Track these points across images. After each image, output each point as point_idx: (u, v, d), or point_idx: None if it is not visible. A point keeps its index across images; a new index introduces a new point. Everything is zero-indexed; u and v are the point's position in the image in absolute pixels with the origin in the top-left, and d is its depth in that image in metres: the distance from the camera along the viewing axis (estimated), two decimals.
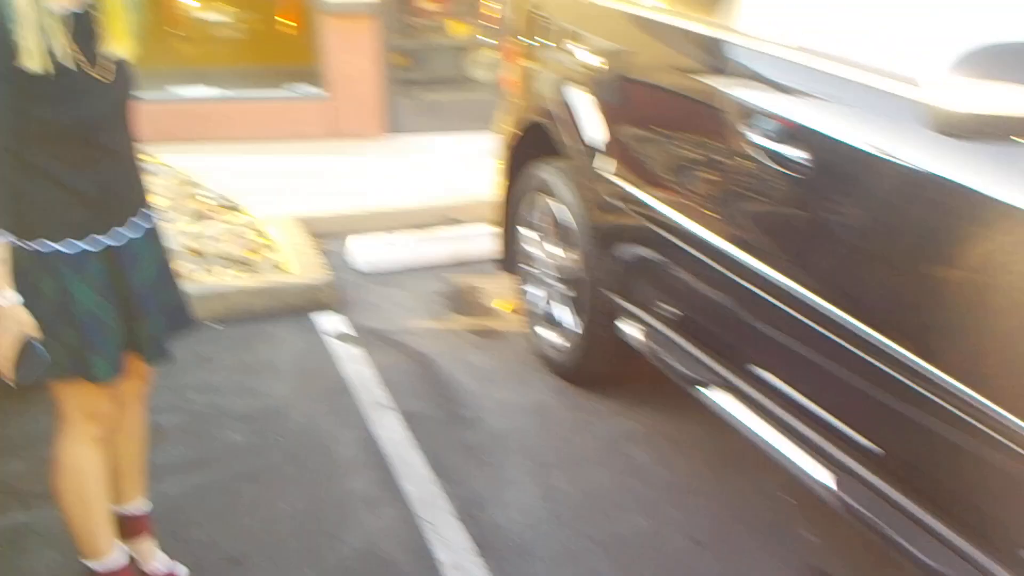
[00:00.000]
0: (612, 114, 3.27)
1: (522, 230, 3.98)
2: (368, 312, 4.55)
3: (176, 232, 5.24)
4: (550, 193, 3.68)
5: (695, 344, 2.91)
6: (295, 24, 9.29)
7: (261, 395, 3.72)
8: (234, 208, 5.80)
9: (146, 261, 2.28)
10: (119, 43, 2.10)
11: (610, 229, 3.35)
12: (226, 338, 4.21)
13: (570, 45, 3.53)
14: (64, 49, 1.97)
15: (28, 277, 2.06)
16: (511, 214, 4.09)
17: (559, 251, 3.70)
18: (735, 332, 2.67)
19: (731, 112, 2.58)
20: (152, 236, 2.33)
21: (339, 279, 4.84)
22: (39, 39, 1.92)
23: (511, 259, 4.20)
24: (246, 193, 6.10)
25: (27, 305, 2.04)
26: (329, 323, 4.39)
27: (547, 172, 3.69)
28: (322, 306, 4.50)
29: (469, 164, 6.88)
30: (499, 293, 4.74)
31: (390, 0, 8.02)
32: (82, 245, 2.12)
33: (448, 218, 5.92)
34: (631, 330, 3.25)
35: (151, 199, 2.36)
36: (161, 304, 2.33)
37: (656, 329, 3.11)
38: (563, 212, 3.60)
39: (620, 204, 3.24)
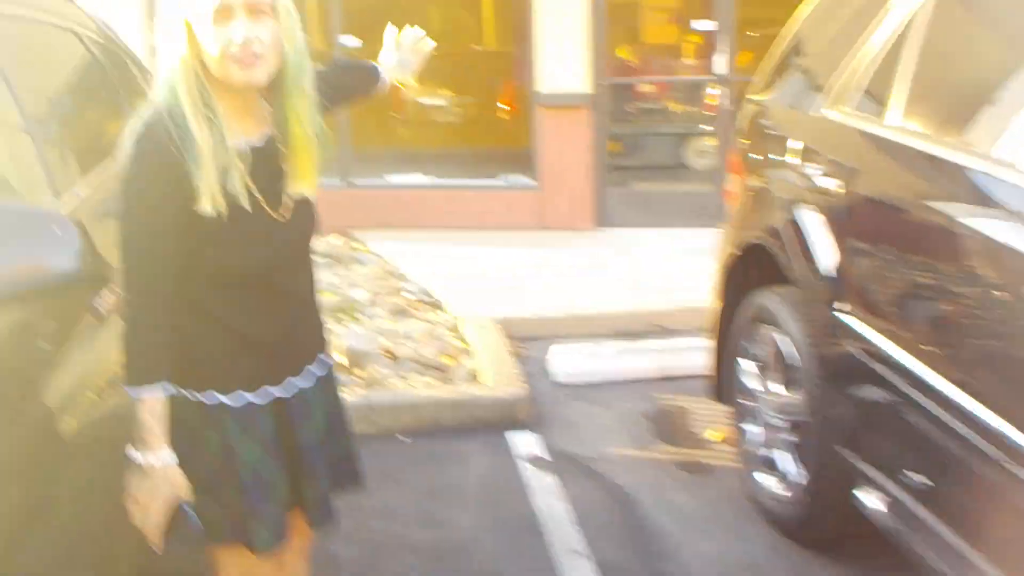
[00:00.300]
0: (851, 243, 2.83)
1: (741, 361, 3.54)
2: (565, 432, 4.21)
3: (374, 329, 5.13)
4: (773, 323, 3.25)
5: (957, 531, 2.37)
6: (511, 110, 9.30)
7: (445, 525, 3.44)
8: (435, 305, 5.66)
9: (317, 412, 2.04)
10: (302, 179, 1.89)
11: (844, 373, 2.88)
12: (414, 453, 3.99)
13: (802, 162, 3.12)
14: (242, 188, 1.77)
15: (190, 432, 1.85)
16: (726, 340, 3.67)
17: (781, 389, 3.25)
18: (1014, 522, 2.14)
19: (1000, 253, 2.10)
20: (326, 383, 2.08)
21: (536, 391, 4.55)
22: (217, 179, 1.73)
23: (725, 389, 3.76)
24: (449, 286, 5.99)
25: (185, 463, 1.83)
26: (523, 443, 4.08)
27: (770, 300, 3.26)
28: (516, 423, 4.20)
29: (682, 265, 6.50)
30: (710, 419, 4.28)
31: (607, 90, 7.82)
32: (250, 397, 1.90)
33: (657, 325, 5.54)
34: (868, 499, 2.74)
35: (329, 343, 2.12)
36: (329, 458, 2.07)
37: (903, 503, 2.59)
38: (788, 346, 3.16)
39: (856, 346, 2.78)
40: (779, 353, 3.24)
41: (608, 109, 7.95)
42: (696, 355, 4.81)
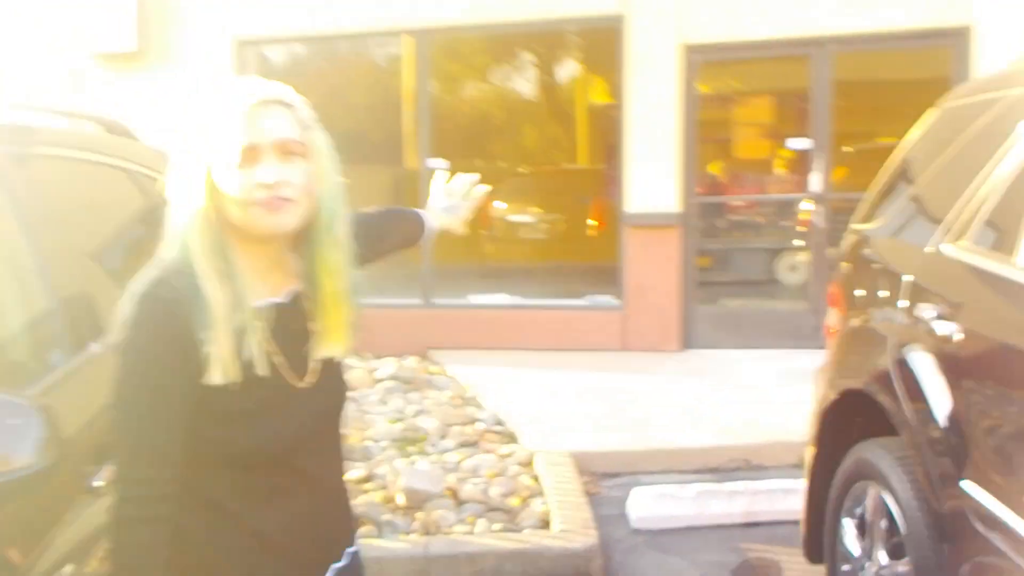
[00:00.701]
0: (971, 394, 2.42)
1: (844, 521, 3.11)
2: None
3: (440, 464, 4.83)
4: (877, 480, 2.83)
5: None
6: (600, 226, 9.09)
7: None
8: (508, 437, 5.34)
9: None
10: (331, 341, 1.61)
11: (960, 544, 2.43)
12: None
13: (914, 301, 2.75)
14: (261, 353, 1.50)
15: None
16: (822, 493, 3.24)
17: (885, 556, 2.81)
18: None
19: None
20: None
21: (610, 537, 4.16)
22: (232, 345, 1.46)
23: (819, 546, 3.32)
24: (526, 412, 5.69)
25: None
26: None
27: (874, 453, 2.85)
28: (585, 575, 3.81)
29: (773, 392, 6.07)
30: None
31: (696, 208, 7.55)
32: None
33: (744, 461, 5.10)
34: None
35: (358, 530, 1.81)
36: None
37: None
38: (894, 507, 2.73)
39: (975, 513, 2.34)
40: (884, 514, 2.81)
41: (697, 226, 7.67)
42: (787, 498, 4.38)
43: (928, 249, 2.75)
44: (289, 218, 1.50)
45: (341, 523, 1.73)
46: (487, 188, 2.39)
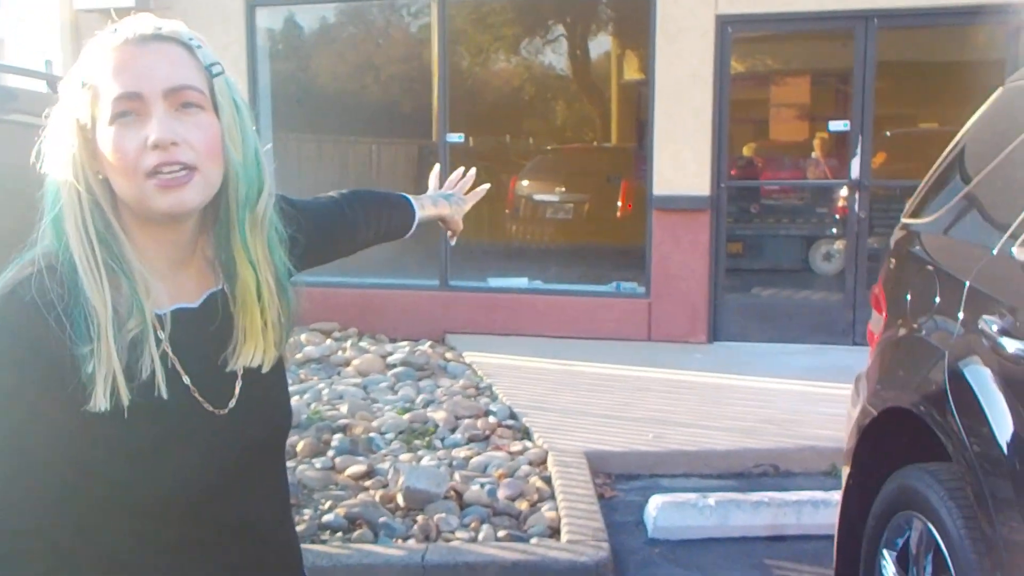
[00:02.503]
0: None
1: (883, 552, 2.77)
2: None
3: (447, 460, 4.55)
4: (923, 511, 2.49)
5: None
6: (627, 208, 8.73)
7: None
8: (520, 433, 5.04)
9: None
10: (251, 348, 1.26)
11: None
12: None
13: (976, 310, 2.39)
14: (161, 370, 1.17)
15: None
16: (857, 518, 2.91)
17: None
18: None
19: None
20: None
21: (625, 547, 3.86)
22: (121, 360, 1.13)
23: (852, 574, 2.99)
24: (542, 405, 5.41)
25: None
26: None
27: (922, 482, 2.51)
28: None
29: (803, 391, 5.72)
30: None
31: (727, 192, 7.17)
32: None
33: (772, 466, 4.78)
34: None
35: None
36: None
37: None
38: (942, 543, 2.40)
39: None
40: (931, 550, 2.48)
41: (728, 210, 7.29)
42: (816, 512, 4.06)
43: (996, 251, 2.39)
44: (192, 193, 1.16)
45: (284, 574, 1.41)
46: (487, 186, 2.08)
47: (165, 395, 1.17)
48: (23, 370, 1.11)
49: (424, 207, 1.89)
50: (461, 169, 2.07)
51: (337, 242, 1.64)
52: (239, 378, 1.27)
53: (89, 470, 1.16)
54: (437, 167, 2.06)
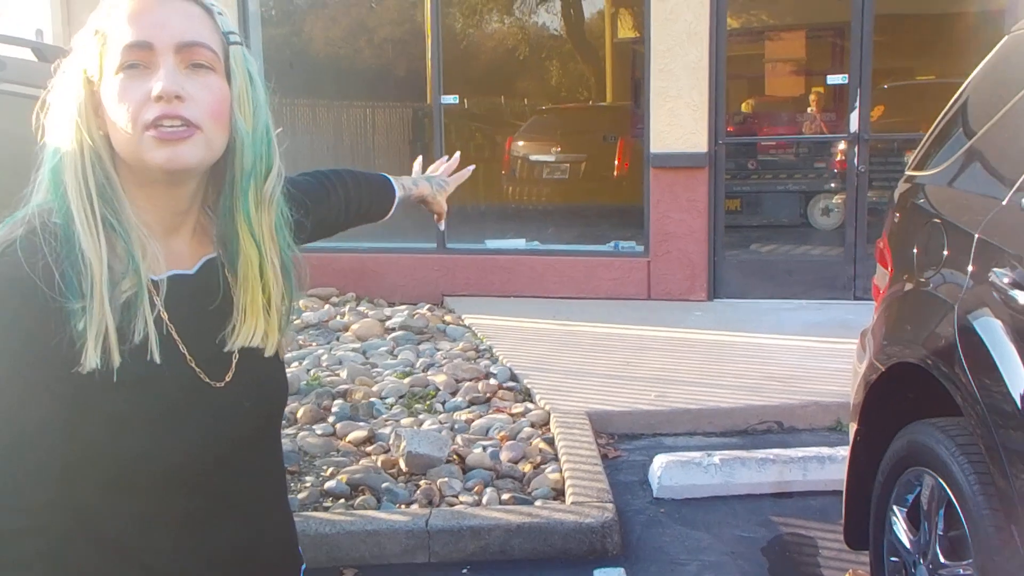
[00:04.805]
0: None
1: (893, 508, 2.75)
2: (662, 571, 3.47)
3: (448, 424, 4.53)
4: (933, 467, 2.47)
5: None
6: (624, 167, 8.68)
7: None
8: (521, 395, 5.02)
9: None
10: (251, 328, 1.23)
11: None
12: None
13: (986, 262, 2.35)
14: (151, 332, 1.13)
15: None
16: (865, 475, 2.89)
17: (940, 555, 2.46)
18: None
19: None
20: None
21: (631, 507, 3.85)
22: (115, 319, 1.09)
23: (862, 535, 2.98)
24: (543, 366, 5.38)
25: None
26: None
27: (932, 438, 2.49)
28: (601, 553, 3.50)
29: (805, 346, 5.70)
30: (844, 559, 3.48)
31: (724, 148, 7.09)
32: None
33: (776, 423, 4.77)
34: None
35: (301, 560, 1.45)
36: None
37: None
38: (957, 502, 2.37)
39: None
40: (940, 506, 2.46)
41: (726, 167, 7.22)
42: (822, 467, 4.05)
43: (1006, 202, 2.35)
44: (189, 150, 1.12)
45: (280, 561, 1.37)
46: (472, 168, 2.07)
47: (158, 359, 1.13)
48: (19, 327, 1.07)
49: (405, 187, 1.87)
50: (446, 156, 2.06)
51: (322, 225, 1.60)
52: (236, 353, 1.24)
53: (84, 442, 1.12)
54: (420, 159, 2.05)
